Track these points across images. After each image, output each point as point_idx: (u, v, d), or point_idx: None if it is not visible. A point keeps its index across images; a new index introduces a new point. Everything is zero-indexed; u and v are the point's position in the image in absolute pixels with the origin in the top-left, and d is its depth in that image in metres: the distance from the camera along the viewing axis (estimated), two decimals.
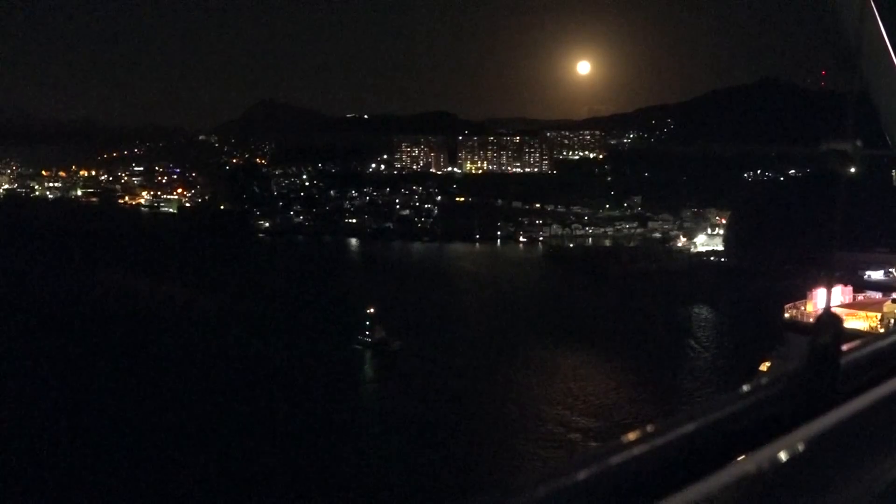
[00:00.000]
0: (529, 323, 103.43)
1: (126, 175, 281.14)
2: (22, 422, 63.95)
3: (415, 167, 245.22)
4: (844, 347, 2.36)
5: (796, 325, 61.19)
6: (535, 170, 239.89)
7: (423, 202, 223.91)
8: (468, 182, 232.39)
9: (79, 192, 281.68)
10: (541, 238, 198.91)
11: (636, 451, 1.62)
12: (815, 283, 65.01)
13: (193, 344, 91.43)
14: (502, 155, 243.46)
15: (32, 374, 77.94)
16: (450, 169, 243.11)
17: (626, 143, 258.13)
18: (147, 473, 54.99)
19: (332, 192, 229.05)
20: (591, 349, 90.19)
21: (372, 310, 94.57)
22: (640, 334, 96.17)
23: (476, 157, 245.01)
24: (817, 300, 62.94)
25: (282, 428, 64.63)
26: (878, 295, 71.62)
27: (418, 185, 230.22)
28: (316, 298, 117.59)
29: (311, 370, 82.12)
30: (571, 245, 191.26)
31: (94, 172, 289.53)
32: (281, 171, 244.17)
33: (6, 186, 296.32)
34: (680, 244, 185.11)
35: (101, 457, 57.25)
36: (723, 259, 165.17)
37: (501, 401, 72.90)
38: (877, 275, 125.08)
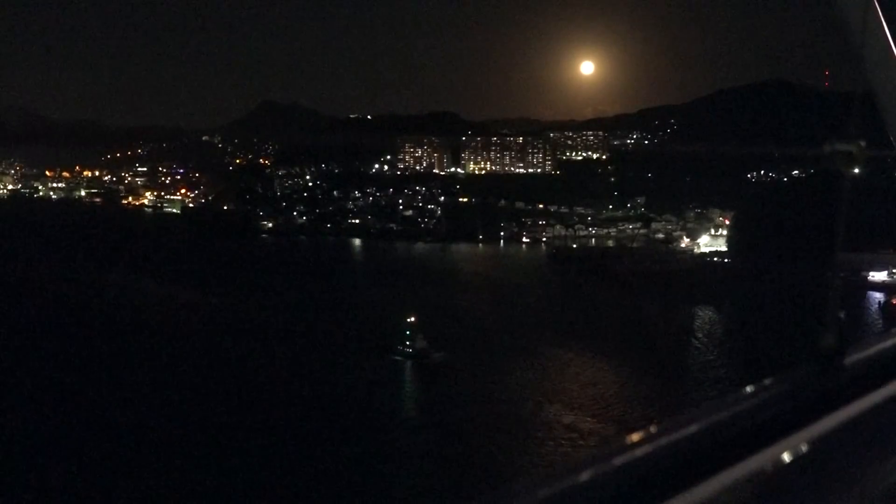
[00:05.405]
0: (558, 330, 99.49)
1: (130, 175, 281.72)
2: (24, 424, 63.64)
3: (418, 167, 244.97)
4: (848, 349, 2.38)
5: None
6: (539, 170, 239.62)
7: (426, 203, 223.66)
8: (471, 182, 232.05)
9: (83, 193, 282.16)
10: (544, 239, 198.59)
11: (639, 452, 1.63)
12: None
13: (213, 351, 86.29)
14: (506, 155, 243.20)
15: (36, 375, 77.65)
16: (453, 169, 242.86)
17: (630, 143, 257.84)
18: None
19: (335, 192, 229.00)
20: (622, 357, 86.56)
21: (413, 318, 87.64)
22: (662, 339, 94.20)
23: (479, 158, 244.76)
24: None
25: (337, 465, 55.69)
26: None
27: (421, 186, 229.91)
28: (333, 302, 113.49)
29: (355, 385, 74.73)
30: (575, 246, 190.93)
31: (97, 173, 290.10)
32: (284, 171, 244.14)
33: (10, 187, 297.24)
34: (683, 245, 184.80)
35: (108, 464, 56.02)
36: (726, 260, 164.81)
37: (566, 420, 68.34)
38: (880, 275, 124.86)
